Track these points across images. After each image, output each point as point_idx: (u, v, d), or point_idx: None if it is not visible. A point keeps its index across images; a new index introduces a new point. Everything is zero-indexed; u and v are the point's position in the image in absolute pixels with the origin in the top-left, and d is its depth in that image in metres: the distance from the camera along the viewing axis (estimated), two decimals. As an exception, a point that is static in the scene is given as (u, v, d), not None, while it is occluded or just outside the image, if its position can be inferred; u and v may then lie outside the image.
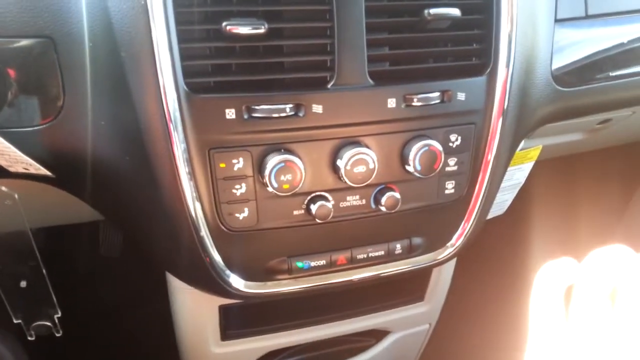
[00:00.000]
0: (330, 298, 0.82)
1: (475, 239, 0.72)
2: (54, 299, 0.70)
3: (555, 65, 0.73)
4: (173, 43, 0.52)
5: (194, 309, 0.78)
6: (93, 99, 0.56)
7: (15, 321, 0.71)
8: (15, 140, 0.54)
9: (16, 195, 0.60)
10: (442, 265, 0.74)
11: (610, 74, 0.79)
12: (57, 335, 0.74)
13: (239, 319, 0.80)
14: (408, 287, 0.89)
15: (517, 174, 1.02)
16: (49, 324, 0.73)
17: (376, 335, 0.92)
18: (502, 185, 0.98)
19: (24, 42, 0.54)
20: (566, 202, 1.47)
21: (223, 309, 0.77)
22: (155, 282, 0.97)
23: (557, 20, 0.73)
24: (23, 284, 0.67)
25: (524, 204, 1.10)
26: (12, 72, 0.54)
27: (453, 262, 0.92)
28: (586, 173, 1.50)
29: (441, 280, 0.91)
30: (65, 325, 0.76)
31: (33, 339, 0.73)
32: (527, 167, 1.03)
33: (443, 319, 0.97)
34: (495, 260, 1.47)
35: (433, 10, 0.58)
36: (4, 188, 0.59)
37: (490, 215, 0.80)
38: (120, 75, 0.54)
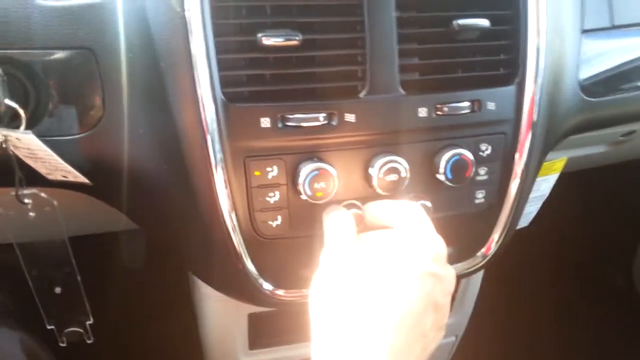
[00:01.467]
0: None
1: (505, 249, 0.72)
2: (87, 305, 0.71)
3: (582, 76, 0.73)
4: (211, 54, 0.54)
5: (222, 317, 0.79)
6: (132, 109, 0.57)
7: (48, 327, 0.72)
8: (56, 148, 0.56)
9: (55, 202, 0.61)
10: (471, 275, 0.74)
11: (638, 84, 0.79)
12: (88, 341, 0.75)
13: (268, 328, 0.80)
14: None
15: (543, 185, 1.02)
16: (80, 330, 0.74)
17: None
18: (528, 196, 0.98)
19: (65, 54, 0.56)
20: (592, 213, 1.46)
21: (252, 318, 0.77)
22: (180, 293, 0.98)
23: (583, 31, 0.74)
24: (58, 290, 0.68)
25: (549, 215, 1.09)
26: (53, 83, 0.56)
27: (481, 273, 0.91)
28: (609, 185, 1.49)
29: (469, 292, 0.90)
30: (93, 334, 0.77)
31: (65, 345, 0.74)
32: (553, 178, 1.03)
33: (470, 331, 0.96)
34: (523, 272, 1.45)
35: (462, 21, 0.59)
36: (43, 195, 0.61)
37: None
38: (158, 85, 0.56)
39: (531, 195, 1.04)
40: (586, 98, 0.74)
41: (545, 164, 0.97)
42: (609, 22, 0.78)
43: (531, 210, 1.06)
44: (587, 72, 0.74)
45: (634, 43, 0.79)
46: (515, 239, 0.78)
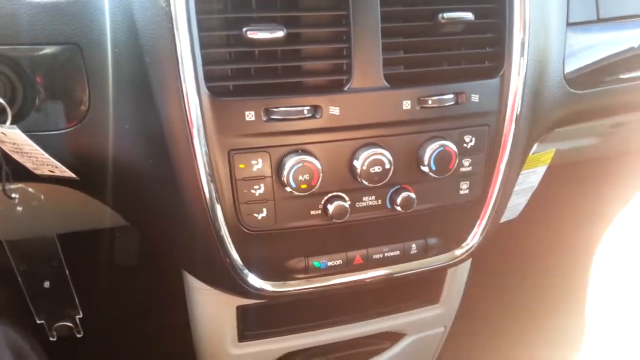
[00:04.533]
0: (346, 300, 0.83)
1: (490, 240, 0.73)
2: (76, 300, 0.72)
3: (567, 68, 0.74)
4: (195, 48, 0.54)
5: (211, 310, 0.80)
6: (117, 103, 0.57)
7: (38, 321, 0.72)
8: (43, 143, 0.56)
9: (42, 197, 0.61)
10: (457, 266, 0.75)
11: (622, 76, 0.80)
12: (78, 335, 0.75)
13: (256, 320, 0.81)
14: (423, 290, 0.89)
15: (531, 177, 1.03)
16: (70, 324, 0.74)
17: (391, 338, 0.93)
18: (516, 188, 0.99)
19: (51, 49, 0.56)
20: (581, 207, 1.47)
21: (240, 310, 0.78)
22: (173, 287, 0.98)
23: (569, 24, 0.74)
24: (47, 284, 0.69)
25: (538, 207, 1.10)
26: (40, 78, 0.56)
27: (467, 265, 0.92)
28: (600, 178, 1.50)
29: (456, 283, 0.91)
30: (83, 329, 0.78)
31: (55, 339, 0.74)
32: (541, 170, 1.03)
33: (458, 322, 0.97)
34: (509, 264, 1.47)
35: (447, 15, 0.60)
36: (31, 189, 0.61)
37: (503, 219, 0.81)
38: (143, 79, 0.56)
39: (519, 187, 1.05)
40: (572, 90, 0.75)
41: (533, 155, 0.98)
42: (595, 16, 0.78)
43: (520, 202, 1.07)
44: (572, 64, 0.75)
45: (620, 36, 0.79)
46: (504, 230, 0.79)
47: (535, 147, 0.85)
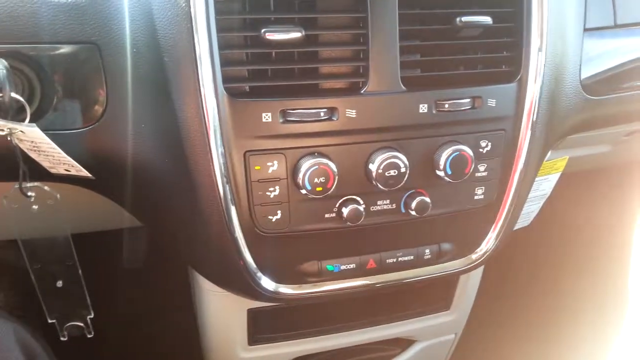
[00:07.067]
0: (357, 305, 0.83)
1: (504, 246, 0.72)
2: (88, 300, 0.72)
3: (584, 74, 0.73)
4: (214, 49, 0.54)
5: (222, 312, 0.79)
6: (135, 103, 0.58)
7: (49, 321, 0.72)
8: (60, 141, 0.56)
9: (58, 195, 0.62)
10: (469, 272, 0.74)
11: (638, 83, 0.79)
12: (89, 336, 0.75)
13: (267, 324, 0.80)
14: (434, 296, 0.89)
15: (544, 185, 1.02)
16: (81, 324, 0.74)
17: (401, 344, 0.92)
18: (529, 195, 0.98)
19: (70, 48, 0.56)
20: (592, 214, 1.46)
21: (252, 313, 0.77)
22: (181, 289, 0.98)
23: (586, 30, 0.74)
24: (59, 283, 0.69)
25: (550, 215, 1.10)
26: (58, 77, 0.56)
27: (480, 271, 0.91)
28: (614, 186, 1.49)
29: (467, 290, 0.90)
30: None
31: (66, 339, 0.74)
32: (554, 178, 1.03)
33: (469, 329, 0.97)
34: (521, 271, 1.45)
35: (465, 18, 0.60)
36: (46, 188, 0.61)
37: (516, 226, 0.80)
38: (162, 79, 0.56)
39: (532, 195, 1.04)
40: (588, 96, 0.74)
41: (546, 163, 0.98)
42: (612, 21, 0.78)
43: (532, 209, 1.06)
44: (589, 70, 0.74)
45: (637, 42, 0.79)
46: (516, 237, 0.78)
47: (549, 154, 0.84)
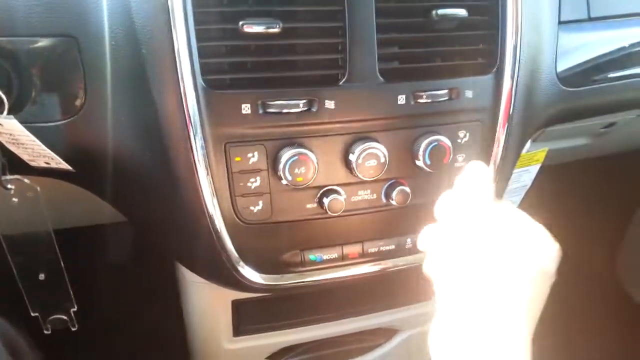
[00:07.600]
0: (341, 295, 0.84)
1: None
2: (71, 292, 0.72)
3: (560, 67, 0.75)
4: (192, 42, 0.55)
5: (206, 304, 0.80)
6: (114, 95, 0.58)
7: (32, 314, 0.72)
8: (39, 134, 0.56)
9: (38, 188, 0.62)
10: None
11: (613, 75, 0.81)
12: (73, 329, 0.75)
13: (252, 315, 0.81)
14: (416, 285, 0.90)
15: (524, 176, 1.04)
16: (65, 317, 0.74)
17: (385, 334, 0.93)
18: (510, 187, 1.00)
19: (48, 41, 0.56)
20: (573, 207, 1.48)
21: (236, 304, 0.78)
22: (166, 282, 0.98)
23: (560, 22, 0.75)
24: (42, 276, 0.69)
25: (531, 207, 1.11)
26: (36, 70, 0.56)
27: (461, 261, 0.92)
28: (593, 178, 1.51)
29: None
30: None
31: (49, 332, 0.74)
32: (534, 169, 1.05)
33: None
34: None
35: (441, 11, 0.61)
36: (26, 180, 0.61)
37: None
38: (140, 72, 0.56)
39: (513, 186, 1.06)
40: (564, 88, 0.76)
41: (526, 154, 0.99)
42: (586, 15, 0.80)
43: (514, 200, 1.08)
44: (565, 62, 0.76)
45: (611, 35, 0.80)
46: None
47: (528, 145, 0.86)
